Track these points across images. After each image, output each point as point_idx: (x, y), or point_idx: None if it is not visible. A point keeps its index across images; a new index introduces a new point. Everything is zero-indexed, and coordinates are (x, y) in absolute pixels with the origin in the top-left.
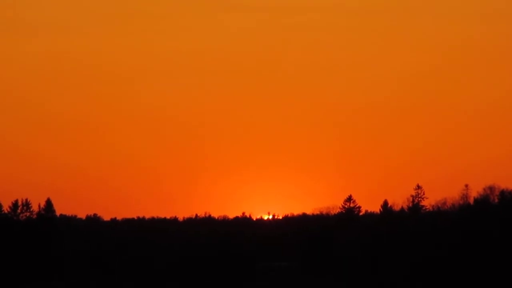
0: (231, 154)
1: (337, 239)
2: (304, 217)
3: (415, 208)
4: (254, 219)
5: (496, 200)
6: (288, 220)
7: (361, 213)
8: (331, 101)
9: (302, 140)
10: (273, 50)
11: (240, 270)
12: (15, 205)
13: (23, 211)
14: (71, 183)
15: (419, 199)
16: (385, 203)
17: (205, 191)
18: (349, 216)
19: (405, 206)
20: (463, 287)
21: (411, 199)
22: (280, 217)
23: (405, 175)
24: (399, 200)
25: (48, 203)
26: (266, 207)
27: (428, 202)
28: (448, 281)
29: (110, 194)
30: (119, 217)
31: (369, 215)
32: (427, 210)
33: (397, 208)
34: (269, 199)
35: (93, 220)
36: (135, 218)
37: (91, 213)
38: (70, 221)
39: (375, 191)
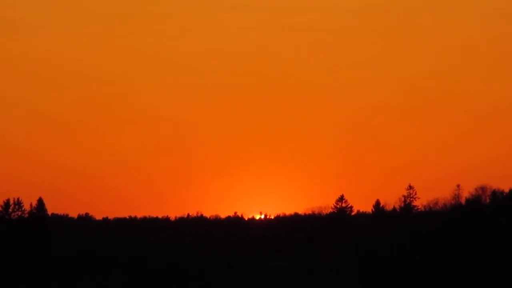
0: (223, 154)
1: (329, 239)
2: (296, 217)
3: (407, 208)
4: (246, 219)
5: (488, 201)
6: (280, 220)
7: (353, 213)
8: (323, 102)
9: (294, 140)
10: (267, 50)
11: (232, 269)
12: (6, 204)
13: (15, 210)
14: (63, 182)
15: (411, 199)
16: (377, 203)
17: (197, 191)
18: (341, 216)
19: (397, 206)
20: (455, 285)
21: (403, 199)
22: (272, 217)
23: (397, 175)
24: (391, 200)
25: (40, 202)
26: (258, 207)
27: (420, 202)
28: (440, 280)
29: (102, 193)
30: (111, 216)
31: (361, 215)
32: (419, 210)
33: (389, 208)
34: (261, 199)
35: (85, 219)
36: (127, 217)
37: (83, 212)
38: (62, 220)
39: (367, 191)
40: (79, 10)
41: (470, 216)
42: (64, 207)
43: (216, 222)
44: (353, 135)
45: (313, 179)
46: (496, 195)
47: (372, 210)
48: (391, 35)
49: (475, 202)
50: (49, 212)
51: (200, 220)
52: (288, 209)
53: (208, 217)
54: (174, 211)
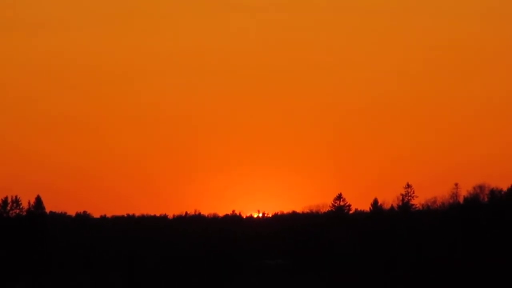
0: (221, 152)
1: (327, 238)
2: (294, 215)
3: (405, 206)
4: (244, 217)
5: (486, 199)
6: (278, 219)
7: (351, 212)
8: (321, 101)
9: (292, 139)
10: (266, 49)
11: (230, 267)
12: (4, 202)
13: (13, 208)
14: (61, 180)
15: (409, 198)
16: (375, 202)
17: (195, 189)
18: (339, 214)
19: (395, 205)
20: (453, 285)
21: (401, 197)
22: (270, 215)
23: (395, 174)
24: (389, 198)
25: (38, 200)
26: (256, 205)
27: (418, 200)
28: (438, 279)
29: (100, 191)
30: (109, 215)
31: (359, 214)
32: (417, 208)
33: (387, 206)
34: (259, 197)
35: (83, 217)
36: (125, 215)
37: (80, 210)
38: (59, 218)
39: (365, 190)
40: (79, 9)
41: (468, 214)
42: (62, 205)
43: (214, 220)
44: (351, 133)
45: (311, 178)
46: (494, 193)
47: (370, 208)
48: (390, 34)
49: (473, 200)
50: (47, 210)
51: (198, 218)
52: (286, 208)
53: (206, 215)
54: (172, 209)
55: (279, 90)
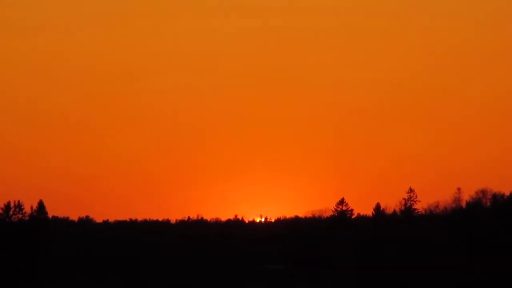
0: (224, 157)
1: (330, 242)
2: (296, 220)
3: (407, 211)
4: (247, 222)
5: (488, 204)
6: (281, 223)
7: (353, 216)
8: (324, 105)
9: (295, 143)
10: (268, 51)
11: (233, 272)
12: (7, 206)
13: (16, 212)
14: (63, 185)
15: (412, 202)
16: (378, 206)
17: (197, 194)
18: (341, 219)
19: (397, 209)
20: None
21: (403, 202)
22: (273, 220)
23: (398, 178)
24: (392, 203)
25: (41, 204)
26: (259, 209)
27: (421, 205)
28: (441, 283)
29: (103, 196)
30: (111, 219)
31: (361, 218)
32: (420, 213)
33: (389, 211)
34: (261, 201)
35: (85, 222)
36: (128, 220)
37: (83, 215)
38: (62, 223)
39: (367, 194)
40: (79, 10)
41: (471, 219)
42: (64, 209)
43: (217, 225)
44: (354, 138)
45: (313, 182)
46: (497, 198)
47: (372, 213)
48: (393, 37)
49: (475, 205)
50: (50, 215)
51: (200, 223)
52: (288, 212)
53: (209, 220)
54: (175, 214)
55: (282, 95)
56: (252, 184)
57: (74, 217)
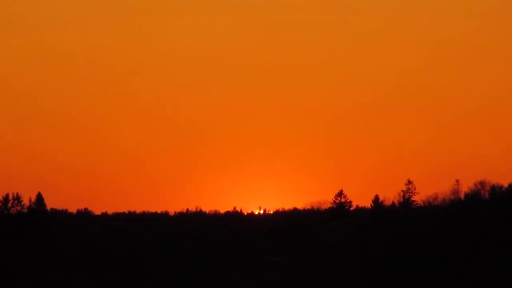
0: (222, 149)
1: (328, 234)
2: (295, 212)
3: (406, 203)
4: (245, 214)
5: (487, 195)
6: (279, 215)
7: (352, 208)
8: (322, 98)
9: (293, 135)
10: (266, 47)
11: (231, 264)
12: (6, 199)
13: (14, 205)
14: (62, 177)
15: (410, 194)
16: (376, 198)
17: (196, 186)
18: (340, 211)
19: (396, 201)
20: (454, 281)
21: (402, 194)
22: (271, 212)
23: (396, 170)
24: (390, 195)
25: (39, 197)
26: (257, 202)
27: (419, 197)
28: (439, 275)
29: (101, 188)
30: (110, 211)
31: (360, 210)
32: (418, 205)
33: (388, 203)
34: (260, 194)
35: (84, 214)
36: (126, 212)
37: (82, 207)
38: (61, 215)
39: (366, 186)
40: (79, 7)
41: (469, 211)
42: (63, 202)
43: (215, 217)
44: (352, 130)
45: (312, 174)
46: (495, 190)
47: (371, 205)
48: (391, 31)
49: (474, 197)
50: (48, 207)
51: (199, 215)
52: (287, 204)
53: (207, 212)
54: (173, 206)
55: (279, 88)
56: (251, 176)
57: (73, 209)
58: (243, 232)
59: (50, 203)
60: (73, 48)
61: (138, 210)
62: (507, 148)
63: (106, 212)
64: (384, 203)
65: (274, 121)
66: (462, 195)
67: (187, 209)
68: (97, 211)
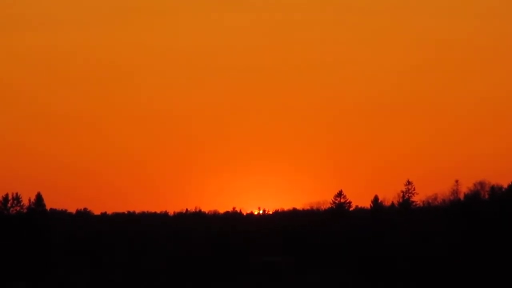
0: (222, 150)
1: (328, 235)
2: (294, 212)
3: (405, 203)
4: (245, 214)
5: (487, 196)
6: (279, 215)
7: (351, 209)
8: (321, 98)
9: (293, 136)
10: (266, 47)
11: (231, 264)
12: (5, 199)
13: (14, 205)
14: (61, 177)
15: (410, 195)
16: (376, 199)
17: (195, 186)
18: (339, 211)
19: (395, 202)
20: (454, 282)
21: (401, 194)
22: (271, 212)
23: (396, 171)
24: (390, 195)
25: (39, 197)
26: (257, 202)
27: (419, 197)
28: (439, 276)
29: (101, 188)
30: (109, 212)
31: (359, 211)
32: (418, 205)
33: (387, 203)
34: (259, 194)
35: (83, 214)
36: (125, 212)
37: (81, 207)
38: (60, 216)
39: (365, 187)
40: (79, 7)
41: (469, 211)
42: (62, 202)
43: (215, 217)
44: (352, 130)
45: (311, 175)
46: (495, 190)
47: (370, 205)
48: (391, 31)
49: (473, 197)
50: (48, 207)
51: (198, 216)
52: (286, 205)
53: (207, 212)
54: (173, 206)
55: (279, 88)
56: (250, 177)
57: (72, 209)
58: (242, 232)
59: (50, 203)
60: (73, 48)
61: (138, 210)
62: (507, 148)
63: (106, 212)
64: (383, 203)
65: (274, 121)
66: (461, 196)
67: (187, 209)
68: (97, 211)
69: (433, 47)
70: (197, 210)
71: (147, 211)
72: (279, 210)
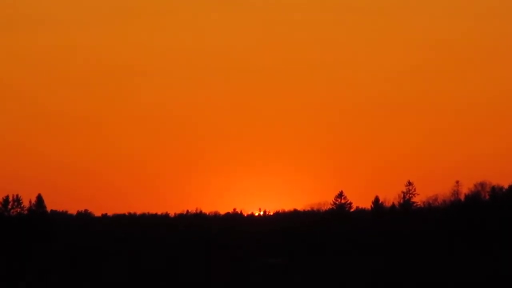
0: (222, 151)
1: (328, 235)
2: (295, 213)
3: (406, 204)
4: (245, 215)
5: (487, 197)
6: (279, 217)
7: (352, 209)
8: (322, 98)
9: (293, 137)
10: (267, 47)
11: (231, 265)
12: (6, 200)
13: (14, 207)
14: (62, 179)
15: (410, 196)
16: (376, 200)
17: (196, 187)
18: (340, 212)
19: (396, 203)
20: (455, 282)
21: (402, 195)
22: (271, 213)
23: (396, 172)
24: (390, 196)
25: (39, 199)
26: (257, 203)
27: (419, 198)
28: (439, 276)
29: (101, 190)
30: (110, 213)
31: (360, 212)
32: (418, 206)
33: (388, 204)
34: (260, 195)
35: (84, 216)
36: (126, 214)
37: (82, 208)
38: (61, 217)
39: (366, 187)
40: (79, 7)
41: (470, 212)
42: (63, 203)
43: (215, 218)
44: (352, 131)
45: (312, 176)
46: (496, 191)
47: (371, 206)
48: (391, 31)
49: (474, 198)
50: (48, 209)
51: (199, 217)
52: (287, 206)
53: (207, 213)
54: (173, 208)
55: (279, 89)
56: (251, 178)
57: (73, 211)
58: (243, 233)
59: (50, 205)
60: (73, 48)
61: (138, 211)
62: (508, 148)
63: (106, 214)
64: (384, 204)
65: (274, 122)
66: (462, 196)
67: (187, 211)
68: (97, 213)
69: (433, 47)
70: (198, 211)
71: (148, 213)
72: (280, 211)
